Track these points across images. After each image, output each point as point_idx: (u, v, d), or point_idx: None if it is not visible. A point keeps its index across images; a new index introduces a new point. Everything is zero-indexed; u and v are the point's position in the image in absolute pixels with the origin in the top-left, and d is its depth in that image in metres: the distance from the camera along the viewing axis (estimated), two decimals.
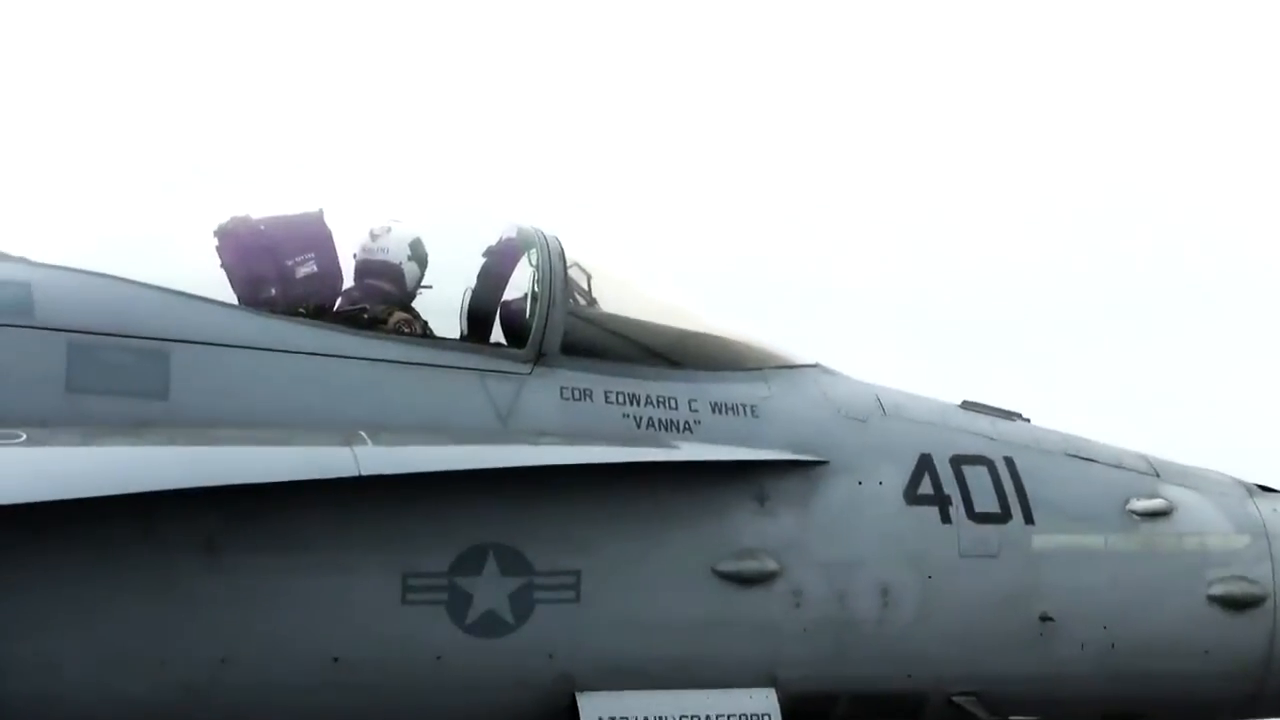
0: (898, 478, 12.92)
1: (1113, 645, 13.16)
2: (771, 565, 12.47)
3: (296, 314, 12.29)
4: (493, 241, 13.25)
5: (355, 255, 12.94)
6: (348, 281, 12.85)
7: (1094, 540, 13.27)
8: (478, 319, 12.98)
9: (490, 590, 11.86)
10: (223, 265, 12.55)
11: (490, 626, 11.86)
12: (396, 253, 12.92)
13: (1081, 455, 13.60)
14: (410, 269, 12.93)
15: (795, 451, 12.73)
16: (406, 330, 12.54)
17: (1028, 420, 13.80)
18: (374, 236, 12.97)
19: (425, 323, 12.76)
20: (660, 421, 12.51)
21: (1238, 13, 35.83)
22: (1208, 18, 35.51)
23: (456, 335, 12.87)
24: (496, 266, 13.17)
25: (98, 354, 11.51)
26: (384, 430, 11.67)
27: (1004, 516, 13.05)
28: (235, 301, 12.35)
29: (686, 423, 12.56)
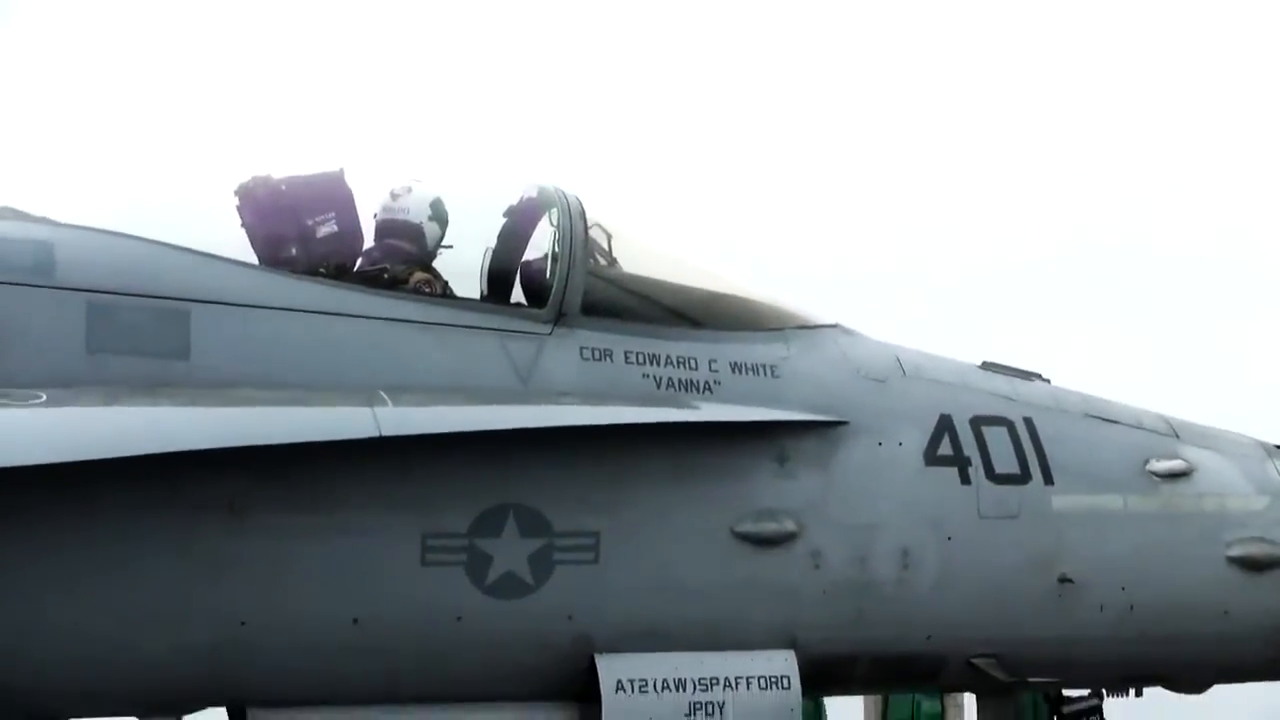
0: (918, 439, 12.90)
1: (1131, 607, 13.15)
2: (791, 526, 12.47)
3: (317, 274, 12.28)
4: (514, 201, 13.24)
5: (376, 215, 12.91)
6: (368, 241, 12.81)
7: (1113, 501, 13.25)
8: (498, 279, 12.97)
9: (510, 551, 11.87)
10: (243, 225, 12.52)
11: (510, 588, 11.88)
12: (417, 212, 12.91)
13: (1101, 416, 13.57)
14: (431, 229, 12.90)
15: (815, 412, 12.70)
16: (427, 290, 12.50)
17: (1047, 381, 13.78)
18: (394, 196, 12.96)
19: (446, 283, 12.73)
20: (680, 382, 12.49)
21: None
22: None
23: (477, 295, 12.85)
24: (517, 226, 13.16)
25: (118, 314, 11.51)
26: (404, 391, 11.67)
27: (1024, 478, 13.03)
28: (256, 261, 12.35)
29: (706, 383, 12.55)
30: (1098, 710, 14.16)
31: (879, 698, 21.63)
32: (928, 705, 21.86)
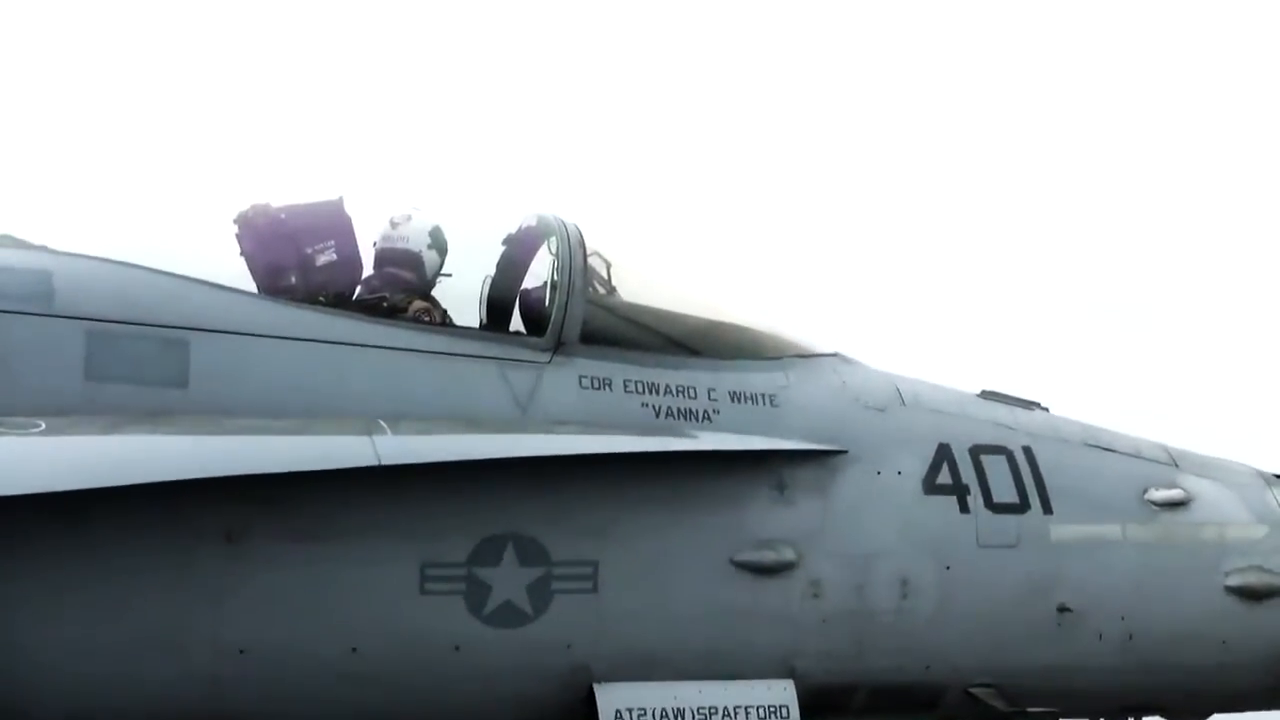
0: (916, 467, 12.90)
1: (1130, 636, 13.14)
2: (790, 555, 12.46)
3: (316, 302, 12.30)
4: (513, 229, 13.26)
5: (375, 244, 12.95)
6: (367, 270, 12.85)
7: (1112, 530, 13.24)
8: (497, 307, 13.01)
9: (508, 581, 11.87)
10: (242, 253, 12.57)
11: (508, 617, 11.87)
12: (416, 241, 12.94)
13: (1100, 445, 13.57)
14: (430, 257, 12.94)
15: (814, 441, 12.70)
16: (426, 319, 12.55)
17: (1046, 410, 13.78)
18: (394, 225, 12.99)
19: (445, 311, 12.77)
20: (679, 410, 12.50)
21: None
22: None
23: (476, 324, 12.89)
24: (516, 255, 13.19)
25: (117, 342, 11.52)
26: (403, 419, 11.67)
27: (1022, 506, 13.03)
28: (255, 290, 12.36)
29: (705, 412, 12.55)
30: None
31: None
32: None
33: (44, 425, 10.86)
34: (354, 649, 11.65)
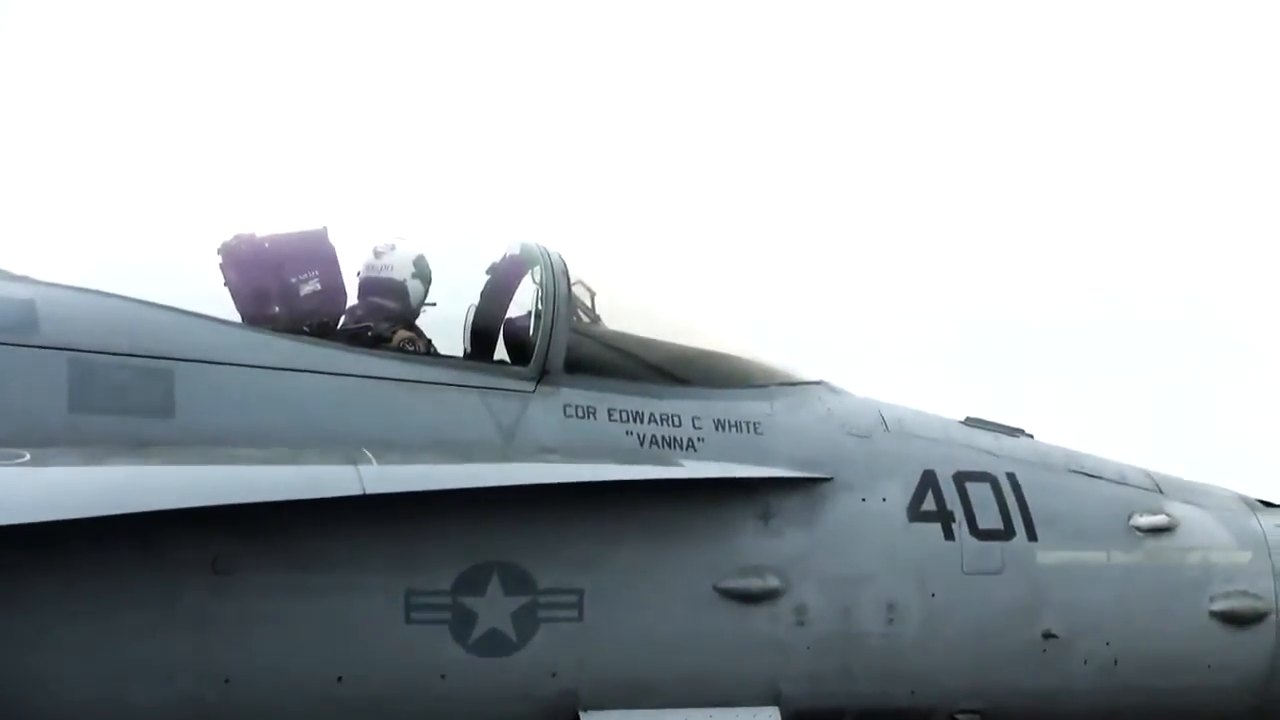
0: (901, 494, 12.92)
1: (1115, 661, 13.17)
2: (775, 582, 12.47)
3: (300, 332, 12.29)
4: (496, 259, 13.27)
5: (359, 273, 12.96)
6: (351, 299, 12.86)
7: (1097, 556, 13.28)
8: (481, 337, 13.01)
9: (494, 609, 11.86)
10: (226, 283, 12.57)
11: (494, 645, 11.86)
12: (401, 270, 12.95)
13: (1085, 471, 13.61)
14: (414, 286, 12.96)
15: (799, 468, 12.72)
16: (410, 348, 12.55)
17: (1031, 436, 13.81)
18: (378, 254, 13.00)
19: (429, 341, 12.77)
20: (664, 439, 12.51)
21: None
22: None
23: (460, 353, 12.90)
24: (500, 284, 13.20)
25: (101, 372, 11.49)
26: (388, 448, 11.67)
27: (1007, 533, 13.06)
28: (239, 319, 12.36)
29: (690, 440, 12.56)
30: None
31: None
32: None
33: (29, 456, 10.85)
34: (339, 678, 11.63)
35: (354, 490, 11.13)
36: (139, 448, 11.25)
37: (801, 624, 12.51)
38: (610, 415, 12.45)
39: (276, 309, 12.45)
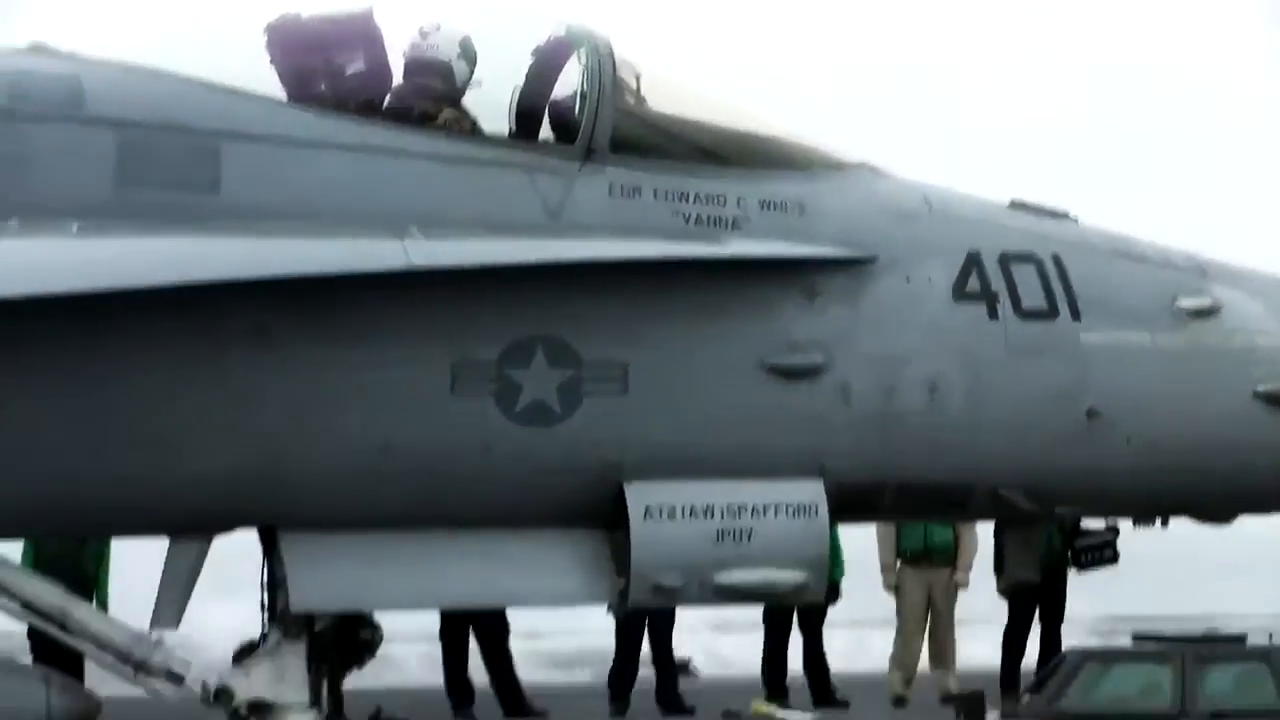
0: (945, 274, 12.91)
1: (1158, 440, 13.18)
2: (819, 359, 12.52)
3: (346, 110, 12.33)
4: (542, 41, 13.25)
5: (405, 53, 12.92)
6: (397, 79, 12.84)
7: (1141, 337, 13.24)
8: (527, 117, 12.98)
9: (538, 381, 11.97)
10: (272, 62, 12.58)
11: (538, 416, 11.99)
12: (446, 50, 12.90)
13: (1129, 254, 13.54)
14: (460, 67, 12.90)
15: (843, 248, 12.72)
16: (456, 127, 12.57)
17: (1076, 220, 13.77)
18: (424, 34, 12.96)
19: (474, 120, 12.78)
20: (709, 218, 12.52)
21: None
22: None
23: (505, 133, 12.91)
24: (546, 65, 13.14)
25: (148, 147, 11.61)
26: (434, 225, 11.76)
27: (1051, 313, 13.04)
28: (285, 98, 12.40)
29: (735, 220, 12.57)
30: (1111, 544, 14.18)
31: (891, 528, 21.74)
32: (939, 536, 22.01)
33: (76, 227, 10.98)
34: (385, 447, 11.80)
35: (400, 264, 11.26)
36: (186, 221, 11.36)
37: (845, 399, 12.57)
38: (655, 195, 12.47)
39: (322, 88, 12.47)
